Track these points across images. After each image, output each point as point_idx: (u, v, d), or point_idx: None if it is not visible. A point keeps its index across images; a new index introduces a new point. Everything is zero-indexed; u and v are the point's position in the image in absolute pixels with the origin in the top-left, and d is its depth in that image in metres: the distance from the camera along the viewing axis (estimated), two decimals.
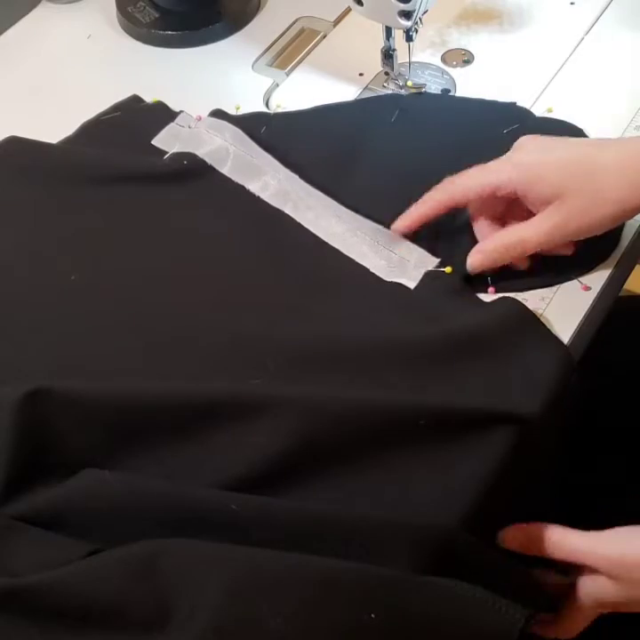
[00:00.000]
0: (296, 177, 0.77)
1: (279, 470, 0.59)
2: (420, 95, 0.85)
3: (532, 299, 0.69)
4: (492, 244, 0.68)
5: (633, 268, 0.73)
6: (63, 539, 0.56)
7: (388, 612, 0.48)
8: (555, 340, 0.66)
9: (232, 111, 0.84)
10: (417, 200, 0.72)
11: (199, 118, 0.83)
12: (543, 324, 0.66)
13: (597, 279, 0.70)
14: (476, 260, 0.69)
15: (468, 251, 0.70)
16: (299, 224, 0.75)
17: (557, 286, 0.70)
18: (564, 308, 0.69)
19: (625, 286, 0.72)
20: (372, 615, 0.51)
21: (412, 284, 0.70)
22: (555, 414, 0.62)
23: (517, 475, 0.63)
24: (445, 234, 0.73)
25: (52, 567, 0.53)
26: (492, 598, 0.52)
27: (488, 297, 0.69)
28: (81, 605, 0.52)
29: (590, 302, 0.69)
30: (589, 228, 0.66)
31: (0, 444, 0.58)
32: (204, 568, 0.52)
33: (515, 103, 0.82)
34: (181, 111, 0.85)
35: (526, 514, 0.64)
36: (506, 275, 0.70)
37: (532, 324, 0.66)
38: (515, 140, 0.72)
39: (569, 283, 0.70)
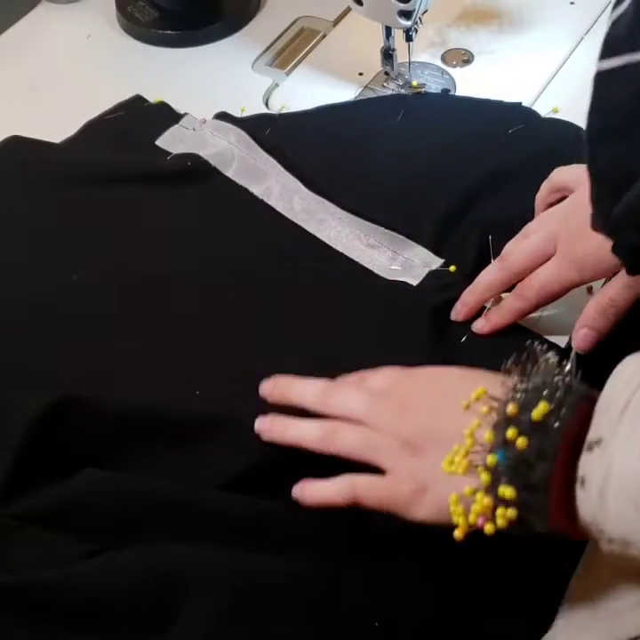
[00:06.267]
0: (299, 181, 0.77)
1: (275, 474, 0.59)
2: (424, 95, 0.85)
3: None
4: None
5: None
6: (63, 539, 0.56)
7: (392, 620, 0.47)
8: None
9: (233, 111, 0.84)
10: (419, 200, 0.73)
11: (203, 121, 0.83)
12: None
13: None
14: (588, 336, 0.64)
15: (473, 250, 0.70)
16: (301, 228, 0.75)
17: None
18: (564, 308, 0.69)
19: None
20: (377, 624, 0.50)
21: (414, 282, 0.71)
22: None
23: None
24: (450, 234, 0.73)
25: (52, 567, 0.53)
26: None
27: None
28: (82, 606, 0.52)
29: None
30: None
31: (3, 446, 0.58)
32: (206, 572, 0.52)
33: (520, 103, 0.82)
34: (186, 113, 0.84)
35: None
36: None
37: None
38: (518, 140, 0.71)
39: None
